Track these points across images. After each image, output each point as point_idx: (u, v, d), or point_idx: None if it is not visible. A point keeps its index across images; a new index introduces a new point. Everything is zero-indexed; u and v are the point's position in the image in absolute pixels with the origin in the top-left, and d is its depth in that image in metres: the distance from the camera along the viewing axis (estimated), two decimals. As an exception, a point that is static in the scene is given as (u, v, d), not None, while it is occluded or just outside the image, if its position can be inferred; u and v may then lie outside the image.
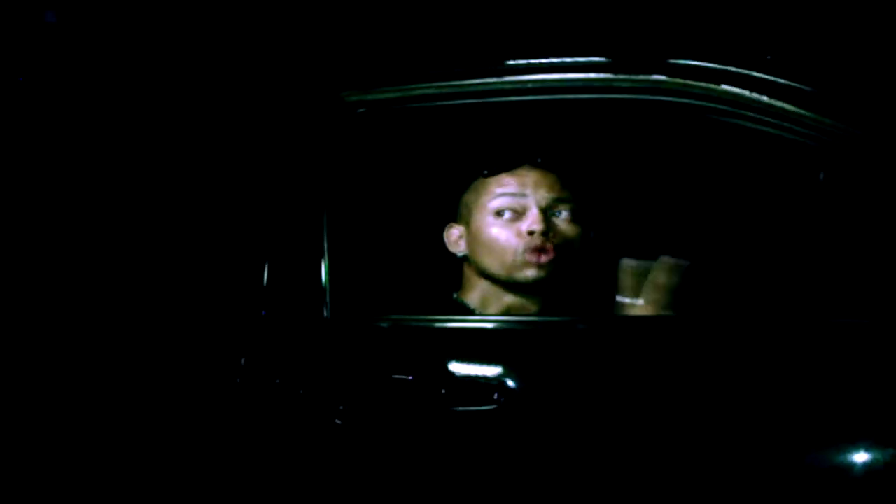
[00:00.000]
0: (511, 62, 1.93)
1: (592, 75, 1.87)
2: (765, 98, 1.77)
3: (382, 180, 2.17)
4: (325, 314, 1.93)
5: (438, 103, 1.98)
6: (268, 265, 1.97)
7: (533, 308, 2.06)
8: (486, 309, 2.08)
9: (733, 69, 1.80)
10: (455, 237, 2.13)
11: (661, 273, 1.91)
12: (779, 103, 1.77)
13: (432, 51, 2.04)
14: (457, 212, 2.14)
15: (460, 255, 2.13)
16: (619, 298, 1.96)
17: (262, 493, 1.87)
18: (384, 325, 1.94)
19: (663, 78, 1.83)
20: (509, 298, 2.07)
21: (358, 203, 2.05)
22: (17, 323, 2.08)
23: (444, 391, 1.80)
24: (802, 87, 1.76)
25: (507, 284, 2.06)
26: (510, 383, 1.78)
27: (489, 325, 1.98)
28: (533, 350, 1.84)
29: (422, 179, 2.28)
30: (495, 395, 1.78)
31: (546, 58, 1.90)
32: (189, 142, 2.10)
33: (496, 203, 2.06)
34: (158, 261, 2.07)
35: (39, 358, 2.04)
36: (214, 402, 1.93)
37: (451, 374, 1.82)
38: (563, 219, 2.05)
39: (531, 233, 2.02)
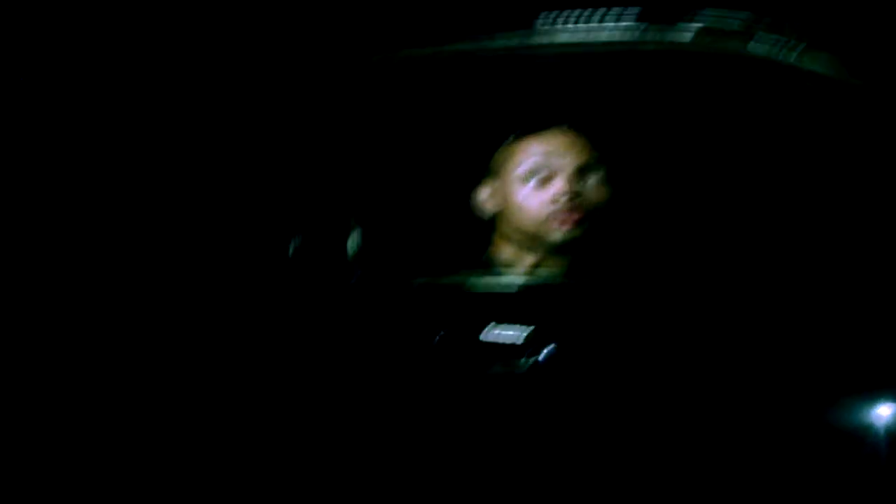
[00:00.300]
0: (538, 20, 1.93)
1: (619, 34, 1.87)
2: (793, 57, 1.77)
3: (414, 142, 2.18)
4: (356, 275, 1.94)
5: (469, 63, 1.98)
6: (296, 230, 1.98)
7: (562, 268, 2.07)
8: (516, 268, 2.09)
9: (762, 27, 1.79)
10: (484, 199, 2.14)
11: None
12: (808, 62, 1.76)
13: (461, 10, 2.04)
14: (486, 174, 2.15)
15: (489, 216, 2.14)
16: None
17: (295, 458, 1.89)
18: (415, 284, 1.95)
19: (691, 36, 1.83)
20: (538, 258, 2.08)
21: (389, 163, 2.05)
22: (64, 288, 2.10)
23: (475, 351, 1.82)
24: (833, 46, 1.76)
25: (536, 246, 2.07)
26: (541, 343, 1.79)
27: (520, 284, 1.98)
28: (564, 309, 1.84)
29: (452, 141, 2.28)
30: (527, 353, 1.79)
31: (573, 15, 1.90)
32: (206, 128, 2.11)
33: (525, 167, 2.06)
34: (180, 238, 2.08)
35: (81, 328, 2.06)
36: (241, 376, 1.95)
37: (483, 334, 1.83)
38: (592, 182, 2.06)
39: (559, 197, 2.02)
